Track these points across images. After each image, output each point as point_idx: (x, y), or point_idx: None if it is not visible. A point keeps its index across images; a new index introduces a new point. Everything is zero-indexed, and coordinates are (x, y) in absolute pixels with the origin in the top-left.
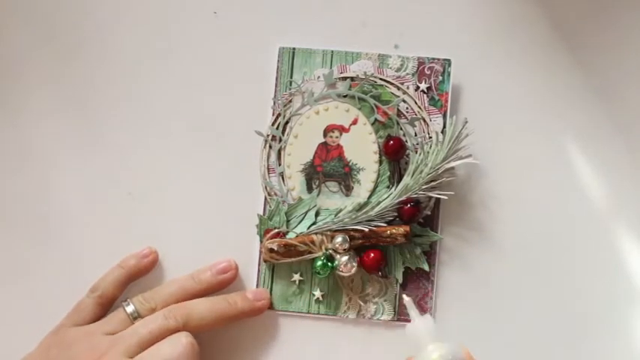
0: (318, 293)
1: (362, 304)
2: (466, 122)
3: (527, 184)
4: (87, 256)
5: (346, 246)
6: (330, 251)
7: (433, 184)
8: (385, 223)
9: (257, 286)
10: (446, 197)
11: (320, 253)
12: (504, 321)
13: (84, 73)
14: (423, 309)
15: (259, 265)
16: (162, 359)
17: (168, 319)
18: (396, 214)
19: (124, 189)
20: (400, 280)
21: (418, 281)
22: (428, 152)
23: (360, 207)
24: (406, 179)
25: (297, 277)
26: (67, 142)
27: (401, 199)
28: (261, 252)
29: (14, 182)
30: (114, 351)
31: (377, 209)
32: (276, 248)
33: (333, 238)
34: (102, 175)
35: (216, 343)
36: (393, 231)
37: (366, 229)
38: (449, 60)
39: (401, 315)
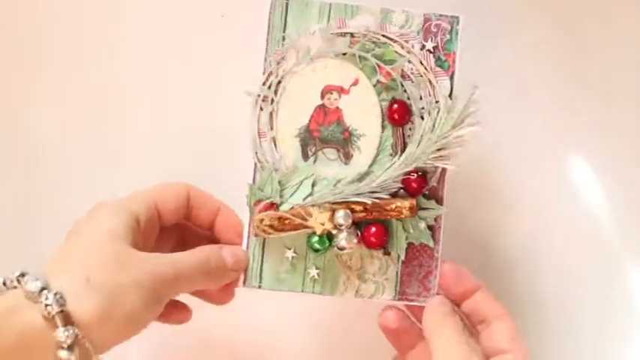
0: (313, 271)
1: (361, 283)
2: (476, 88)
3: (534, 154)
4: None
5: (349, 222)
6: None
7: (442, 152)
8: (388, 195)
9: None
10: (456, 168)
11: (318, 228)
12: (511, 300)
13: (91, 71)
14: (425, 288)
15: (248, 239)
16: None
17: None
18: (399, 185)
19: (112, 148)
20: (403, 257)
21: (421, 258)
22: (435, 118)
23: (361, 177)
24: (412, 147)
25: (290, 253)
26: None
27: (408, 169)
28: (250, 225)
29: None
30: None
31: (380, 180)
32: (268, 222)
33: (333, 212)
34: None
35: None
36: (398, 204)
37: (369, 202)
38: (457, 17)
39: (402, 295)
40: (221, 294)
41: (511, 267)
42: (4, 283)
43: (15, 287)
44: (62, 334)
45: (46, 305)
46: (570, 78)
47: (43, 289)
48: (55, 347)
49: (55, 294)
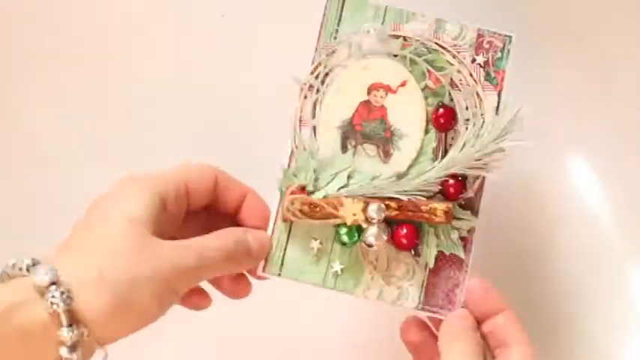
0: (337, 266)
1: (385, 285)
2: (521, 108)
3: (534, 154)
4: None
5: (381, 216)
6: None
7: (483, 161)
8: (424, 198)
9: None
10: (498, 178)
11: (349, 219)
12: (510, 300)
13: (91, 71)
14: (450, 301)
15: (274, 224)
16: None
17: None
18: (437, 189)
19: (111, 148)
20: (431, 265)
21: (450, 269)
22: (480, 129)
23: (399, 176)
24: (454, 152)
25: (316, 244)
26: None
27: (447, 172)
28: (278, 210)
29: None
30: None
31: (420, 180)
32: (299, 206)
33: (367, 204)
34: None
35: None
36: (434, 205)
37: (405, 199)
38: (510, 36)
39: (425, 305)
40: (236, 288)
41: (509, 266)
42: (14, 266)
43: (24, 276)
44: (66, 333)
45: (52, 303)
46: (571, 78)
47: (52, 283)
48: (58, 344)
49: (62, 292)
